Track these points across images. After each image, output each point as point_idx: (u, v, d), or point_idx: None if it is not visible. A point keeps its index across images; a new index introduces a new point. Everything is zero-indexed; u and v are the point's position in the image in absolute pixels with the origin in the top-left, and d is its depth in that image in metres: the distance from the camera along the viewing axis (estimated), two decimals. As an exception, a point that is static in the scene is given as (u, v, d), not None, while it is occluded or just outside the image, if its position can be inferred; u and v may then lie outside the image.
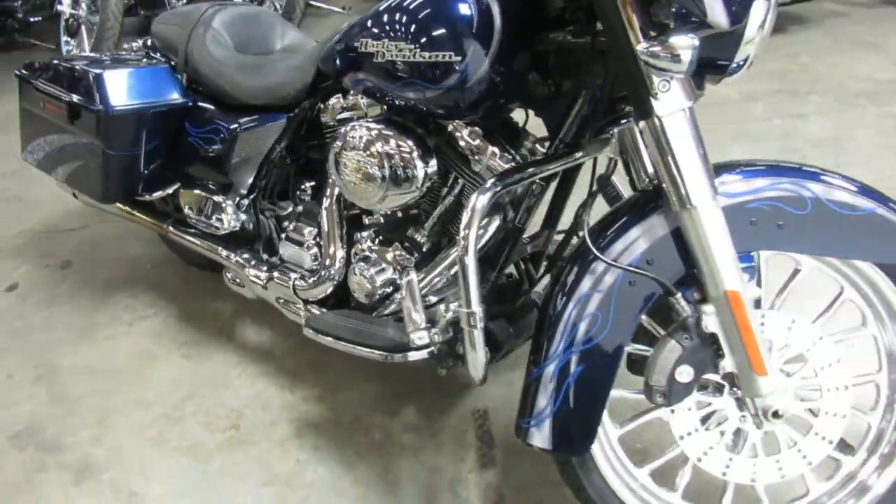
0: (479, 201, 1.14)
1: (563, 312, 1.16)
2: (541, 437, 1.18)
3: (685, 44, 0.97)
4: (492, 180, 1.18)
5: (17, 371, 1.99)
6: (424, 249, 1.48)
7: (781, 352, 1.16)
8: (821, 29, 4.24)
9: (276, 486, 1.56)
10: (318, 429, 1.70)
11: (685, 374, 1.14)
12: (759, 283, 1.21)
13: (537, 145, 1.37)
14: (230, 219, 1.71)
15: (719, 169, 1.14)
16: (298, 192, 1.76)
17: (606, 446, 1.26)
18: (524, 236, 1.45)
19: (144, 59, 1.87)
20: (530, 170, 1.23)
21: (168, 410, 1.79)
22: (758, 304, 1.18)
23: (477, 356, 1.17)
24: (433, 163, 1.37)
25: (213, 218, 1.73)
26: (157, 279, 2.32)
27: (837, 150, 2.74)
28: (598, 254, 1.14)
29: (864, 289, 1.19)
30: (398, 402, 1.75)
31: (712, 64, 1.08)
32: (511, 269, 1.54)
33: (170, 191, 1.86)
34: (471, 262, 1.13)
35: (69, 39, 4.32)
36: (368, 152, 1.37)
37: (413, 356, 1.34)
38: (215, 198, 1.72)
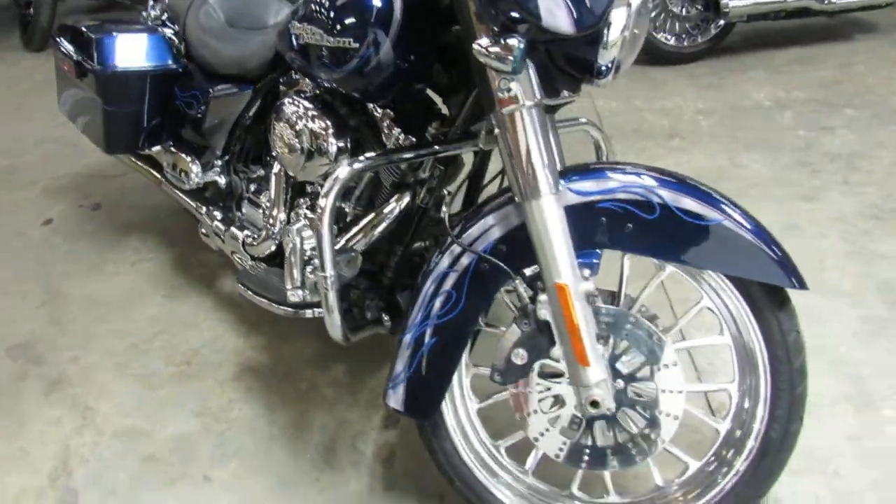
0: (340, 172, 1.22)
1: (422, 287, 1.24)
2: (395, 399, 1.26)
3: (511, 45, 1.02)
4: (362, 157, 1.26)
5: (31, 294, 2.24)
6: (348, 220, 1.58)
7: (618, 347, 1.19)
8: (889, 38, 3.97)
9: (205, 417, 1.72)
10: (256, 374, 1.84)
11: (520, 356, 1.20)
12: (620, 282, 1.25)
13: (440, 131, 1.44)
14: (194, 176, 1.86)
15: (576, 169, 1.18)
16: (268, 158, 1.89)
17: (464, 417, 1.33)
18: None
19: (151, 25, 2.05)
20: (404, 154, 1.31)
21: (139, 342, 1.99)
22: (615, 298, 1.22)
23: (332, 318, 1.26)
24: (348, 140, 1.46)
25: (181, 174, 1.90)
26: (165, 227, 2.54)
27: (851, 167, 2.61)
28: (453, 236, 1.20)
29: (719, 298, 1.20)
30: (332, 359, 1.86)
31: (576, 67, 1.12)
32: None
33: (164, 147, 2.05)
34: (325, 228, 1.21)
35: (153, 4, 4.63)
36: (291, 126, 1.48)
37: (308, 314, 1.45)
38: (184, 156, 1.89)
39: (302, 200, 1.68)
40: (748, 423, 1.20)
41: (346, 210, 1.59)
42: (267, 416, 1.71)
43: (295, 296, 1.34)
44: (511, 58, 1.02)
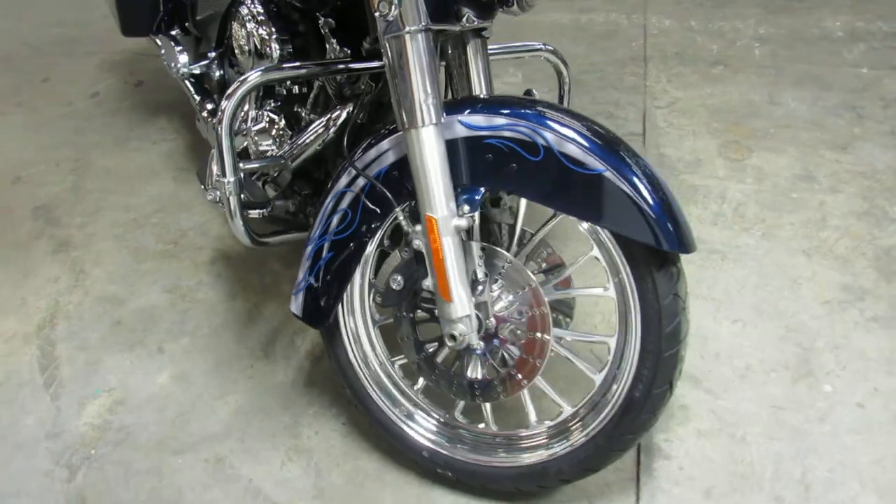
0: (249, 78, 1.21)
1: (324, 203, 1.24)
2: (296, 305, 1.31)
3: None
4: (276, 66, 1.25)
5: (63, 161, 2.42)
6: (299, 127, 1.59)
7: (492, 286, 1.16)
8: None
9: (174, 294, 1.85)
10: (229, 261, 1.94)
11: (396, 282, 1.20)
12: (515, 221, 1.21)
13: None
14: (180, 66, 1.90)
15: (471, 101, 1.13)
16: None
17: (362, 331, 1.36)
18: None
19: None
20: (318, 69, 1.28)
21: (139, 217, 2.13)
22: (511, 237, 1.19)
23: (234, 223, 1.30)
24: (290, 47, 1.44)
25: (171, 62, 1.94)
26: (192, 111, 2.63)
27: (905, 115, 2.32)
28: (348, 158, 1.19)
29: (605, 251, 1.14)
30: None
31: None
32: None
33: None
34: (224, 132, 1.21)
35: None
36: (242, 26, 1.47)
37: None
38: (174, 45, 1.92)
39: (268, 101, 1.68)
40: (617, 379, 1.17)
41: (303, 117, 1.59)
42: (227, 302, 1.82)
43: (210, 195, 1.37)
44: None
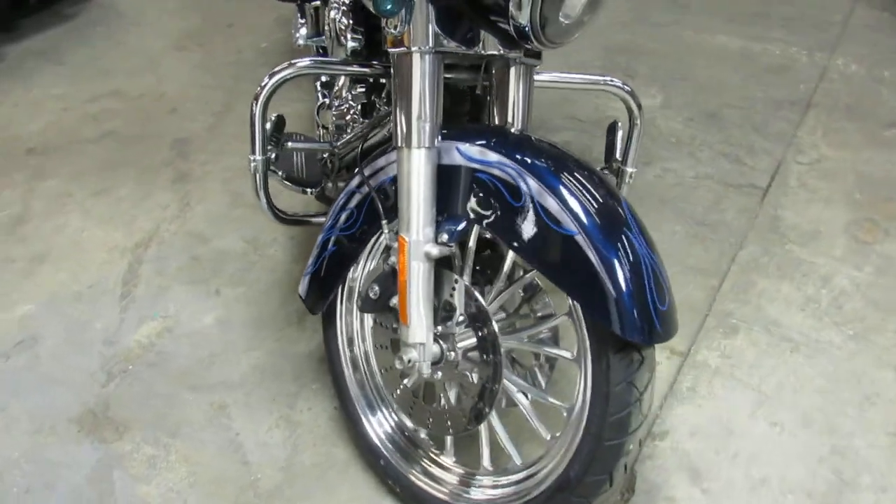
0: (280, 69, 1.26)
1: (338, 199, 1.28)
2: (302, 287, 1.36)
3: None
4: (305, 61, 1.27)
5: (213, 102, 2.68)
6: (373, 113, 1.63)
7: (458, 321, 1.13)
8: None
9: (249, 244, 2.00)
10: (306, 229, 2.05)
11: (374, 291, 1.20)
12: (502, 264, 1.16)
13: None
14: (297, 38, 2.02)
15: (472, 130, 1.10)
16: None
17: (356, 327, 1.39)
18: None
19: None
20: (342, 67, 1.30)
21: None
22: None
23: (260, 201, 1.36)
24: (361, 39, 1.46)
25: (294, 32, 2.06)
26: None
27: None
28: (360, 164, 1.21)
29: (575, 314, 1.06)
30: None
31: (491, 24, 1.02)
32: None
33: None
34: (257, 115, 1.27)
35: None
36: (330, 13, 1.53)
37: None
38: (300, 18, 2.03)
39: (356, 85, 1.74)
40: (559, 452, 1.09)
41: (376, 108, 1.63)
42: (289, 264, 1.93)
43: (252, 160, 1.42)
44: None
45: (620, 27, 3.08)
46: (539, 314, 1.26)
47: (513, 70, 1.15)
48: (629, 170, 1.46)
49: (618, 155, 1.48)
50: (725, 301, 1.72)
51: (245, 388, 1.60)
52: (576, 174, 1.02)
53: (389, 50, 1.04)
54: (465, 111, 1.37)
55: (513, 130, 1.14)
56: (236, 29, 3.29)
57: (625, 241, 0.98)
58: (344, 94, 1.73)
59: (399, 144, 1.06)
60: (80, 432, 1.52)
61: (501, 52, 1.10)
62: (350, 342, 1.39)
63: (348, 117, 1.67)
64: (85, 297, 1.86)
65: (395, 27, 1.01)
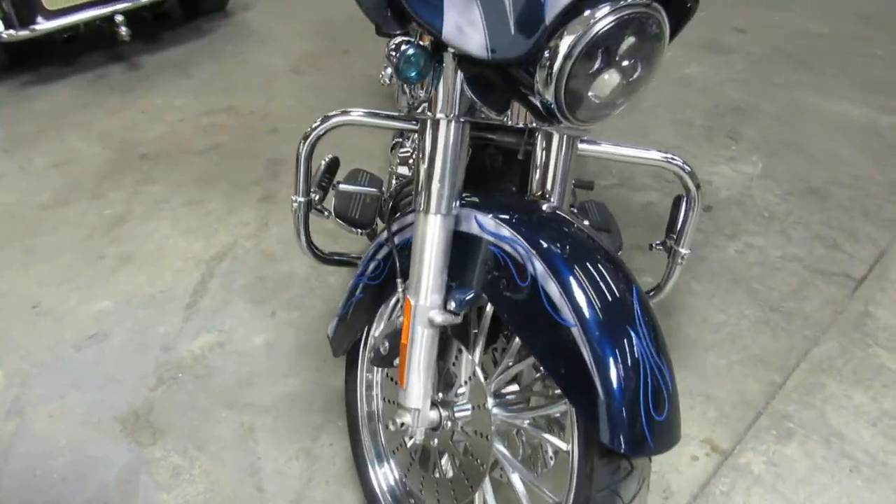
0: (327, 117, 1.29)
1: (369, 249, 1.30)
2: (330, 327, 1.39)
3: (399, 46, 0.94)
4: (352, 111, 1.30)
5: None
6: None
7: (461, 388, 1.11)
8: None
9: (312, 271, 2.06)
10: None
11: (384, 347, 1.20)
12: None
13: None
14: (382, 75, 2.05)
15: (494, 200, 1.08)
16: None
17: (376, 371, 1.39)
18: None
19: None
20: (381, 121, 1.30)
21: (331, 193, 2.40)
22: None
23: (299, 240, 1.40)
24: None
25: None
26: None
27: None
28: (388, 220, 1.22)
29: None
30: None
31: (521, 97, 0.99)
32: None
33: None
34: (302, 158, 1.32)
35: None
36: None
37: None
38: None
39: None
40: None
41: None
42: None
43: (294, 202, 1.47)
44: (394, 60, 0.95)
45: (736, 84, 2.93)
46: (552, 393, 1.21)
47: (556, 139, 1.13)
48: (683, 251, 1.38)
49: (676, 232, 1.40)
50: (785, 401, 1.57)
51: (274, 413, 1.64)
52: (589, 262, 0.98)
53: (415, 112, 1.05)
54: (506, 175, 1.36)
55: (544, 206, 1.10)
56: (351, 55, 3.44)
57: (626, 340, 0.92)
58: (409, 141, 1.76)
59: (417, 207, 1.06)
60: (121, 431, 1.62)
61: (535, 124, 1.07)
62: (369, 390, 1.40)
63: (407, 164, 1.70)
64: (156, 302, 1.99)
65: (422, 92, 1.01)
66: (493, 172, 1.45)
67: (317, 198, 1.39)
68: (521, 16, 0.89)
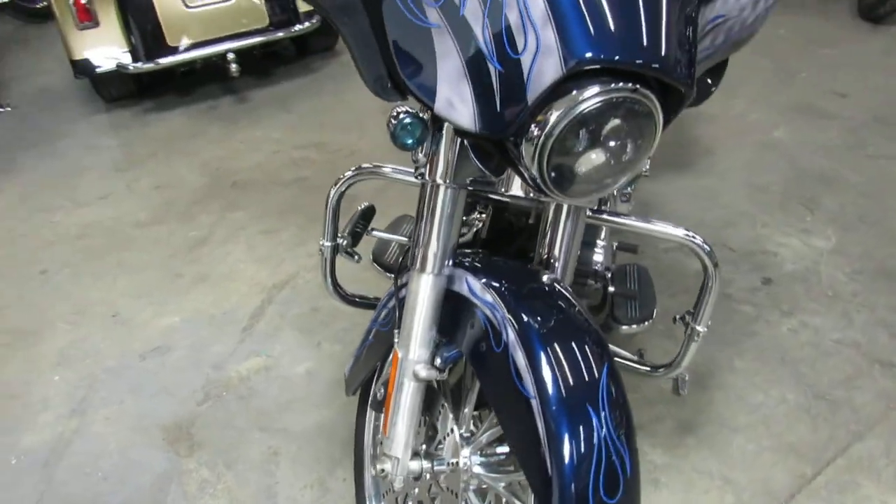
0: (368, 169, 1.38)
1: (384, 296, 1.37)
2: (347, 366, 1.47)
3: (397, 114, 0.99)
4: (370, 165, 1.38)
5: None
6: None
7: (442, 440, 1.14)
8: None
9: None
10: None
11: (381, 393, 1.25)
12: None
13: None
14: None
15: (489, 264, 1.11)
16: None
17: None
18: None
19: None
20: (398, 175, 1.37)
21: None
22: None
23: (325, 282, 1.49)
24: None
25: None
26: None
27: None
28: (396, 272, 1.28)
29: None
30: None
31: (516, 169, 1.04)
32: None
33: None
34: (331, 207, 1.41)
35: None
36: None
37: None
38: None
39: None
40: None
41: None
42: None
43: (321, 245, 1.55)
44: (391, 128, 1.01)
45: (825, 151, 2.78)
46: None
47: (564, 208, 1.16)
48: (699, 328, 1.35)
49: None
50: (813, 497, 1.47)
51: (300, 442, 1.73)
52: (564, 337, 0.99)
53: (415, 173, 1.11)
54: (523, 236, 1.39)
55: (544, 276, 1.12)
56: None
57: (584, 418, 0.92)
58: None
59: (411, 265, 1.12)
60: (164, 440, 1.76)
61: (531, 195, 1.11)
62: (375, 432, 1.45)
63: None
64: (217, 322, 2.15)
65: (418, 159, 1.07)
66: (511, 234, 1.49)
67: (344, 243, 1.47)
68: (506, 94, 0.93)
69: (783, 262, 2.16)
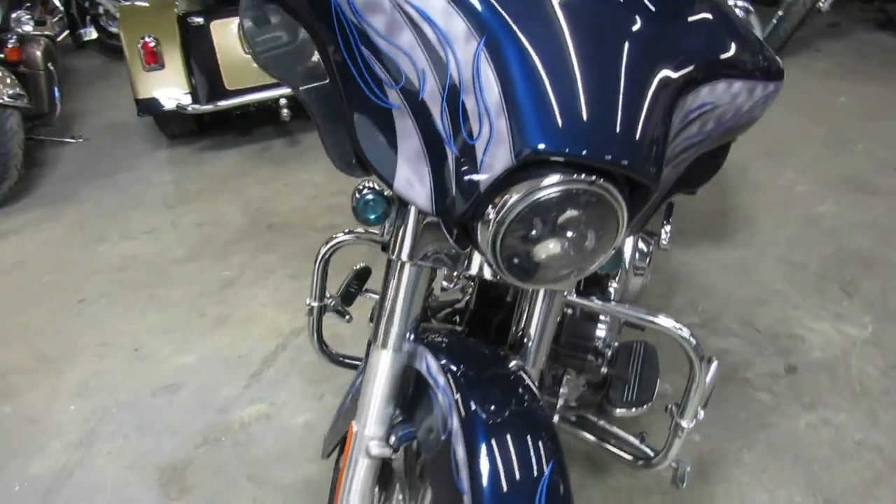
0: (338, 236, 1.38)
1: (363, 363, 1.36)
2: (328, 428, 1.46)
3: (359, 188, 1.00)
4: (357, 230, 1.38)
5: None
6: None
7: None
8: None
9: (367, 361, 2.15)
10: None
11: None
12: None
13: None
14: None
15: (450, 344, 1.09)
16: None
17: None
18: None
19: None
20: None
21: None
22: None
23: (312, 340, 1.49)
24: None
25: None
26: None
27: None
28: (371, 337, 1.27)
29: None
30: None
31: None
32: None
33: None
34: (318, 270, 1.42)
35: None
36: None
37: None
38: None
39: None
40: None
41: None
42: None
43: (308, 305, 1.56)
44: (353, 203, 1.01)
45: (870, 230, 2.63)
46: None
47: (541, 291, 1.13)
48: (683, 423, 1.28)
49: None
50: None
51: (286, 495, 1.72)
52: (512, 432, 0.95)
53: (389, 258, 1.10)
54: (501, 311, 1.36)
55: (511, 362, 1.08)
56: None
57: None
58: None
59: (372, 339, 1.11)
60: (157, 480, 1.79)
61: (498, 278, 1.09)
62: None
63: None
64: (230, 363, 2.19)
65: (381, 233, 1.08)
66: (497, 307, 1.46)
67: (332, 303, 1.48)
68: (461, 178, 0.92)
69: (811, 350, 2.04)
